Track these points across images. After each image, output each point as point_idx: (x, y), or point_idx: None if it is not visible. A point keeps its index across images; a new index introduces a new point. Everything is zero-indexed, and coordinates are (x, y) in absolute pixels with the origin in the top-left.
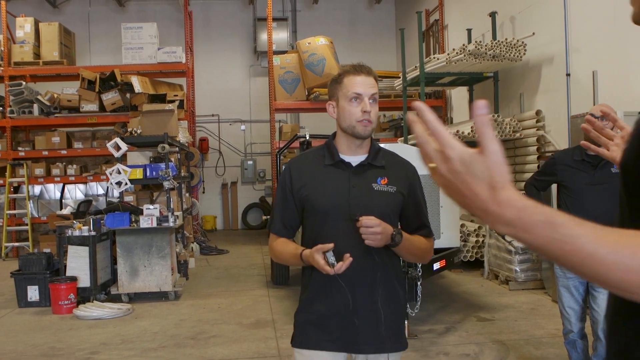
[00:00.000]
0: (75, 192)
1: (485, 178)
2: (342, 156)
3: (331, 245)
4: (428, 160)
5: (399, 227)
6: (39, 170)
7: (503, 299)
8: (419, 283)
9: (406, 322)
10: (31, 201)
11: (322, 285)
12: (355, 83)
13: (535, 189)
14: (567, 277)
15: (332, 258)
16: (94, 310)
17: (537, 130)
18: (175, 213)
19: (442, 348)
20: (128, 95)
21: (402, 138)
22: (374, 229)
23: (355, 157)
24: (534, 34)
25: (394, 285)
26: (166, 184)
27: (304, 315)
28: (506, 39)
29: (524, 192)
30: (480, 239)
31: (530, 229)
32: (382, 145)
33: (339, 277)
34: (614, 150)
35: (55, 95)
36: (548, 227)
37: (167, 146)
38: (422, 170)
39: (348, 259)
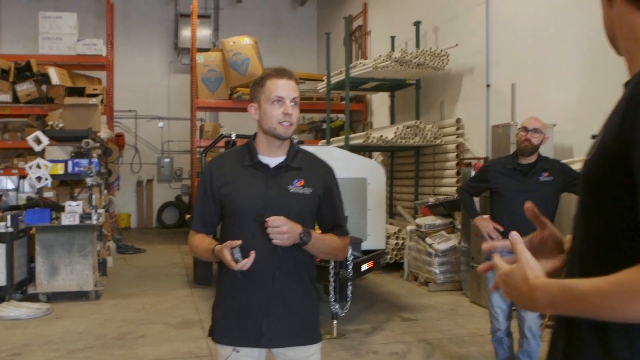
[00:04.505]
0: None
1: (521, 276)
2: (261, 157)
3: (239, 242)
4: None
5: (316, 227)
6: None
7: (424, 299)
8: (349, 284)
9: (335, 322)
10: None
11: (233, 281)
12: (278, 86)
13: (469, 194)
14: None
15: (237, 254)
16: (11, 310)
17: (456, 137)
18: (98, 210)
19: (371, 347)
20: (44, 87)
21: (324, 140)
22: (280, 228)
23: (273, 159)
24: (457, 45)
25: (305, 283)
26: (89, 180)
27: (219, 310)
28: (431, 49)
29: (458, 197)
30: (400, 242)
31: (556, 300)
32: (302, 146)
33: (244, 273)
34: None
35: None
36: (563, 294)
37: (91, 141)
38: (340, 172)
39: (252, 256)
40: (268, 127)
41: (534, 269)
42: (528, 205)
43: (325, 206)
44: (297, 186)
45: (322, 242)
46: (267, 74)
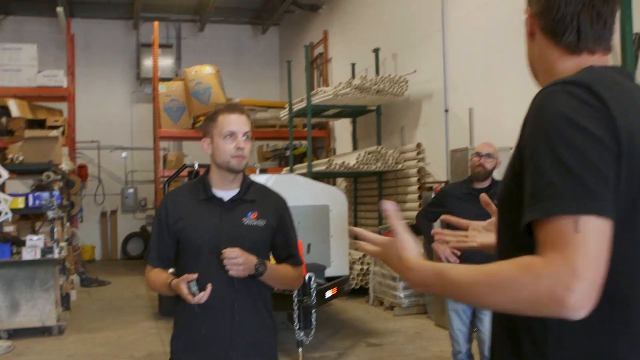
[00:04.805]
0: None
1: (396, 254)
2: (215, 191)
3: (194, 275)
4: (377, 257)
5: (270, 258)
6: None
7: (389, 324)
8: (313, 311)
9: (300, 350)
10: None
11: (190, 313)
12: (230, 121)
13: (427, 219)
14: (455, 302)
15: (194, 288)
16: None
17: (417, 162)
18: (60, 244)
19: None
20: (4, 119)
21: (288, 168)
22: (236, 260)
23: (227, 192)
24: (415, 71)
25: (261, 313)
26: (50, 214)
27: (177, 343)
28: (389, 75)
29: (415, 222)
30: (365, 267)
31: (430, 282)
32: (253, 178)
33: (201, 306)
34: None
35: None
36: (436, 278)
37: (52, 174)
38: (303, 199)
39: (208, 289)
40: (221, 161)
41: (409, 248)
42: (482, 195)
43: (279, 237)
44: (251, 218)
45: (277, 272)
46: (219, 109)
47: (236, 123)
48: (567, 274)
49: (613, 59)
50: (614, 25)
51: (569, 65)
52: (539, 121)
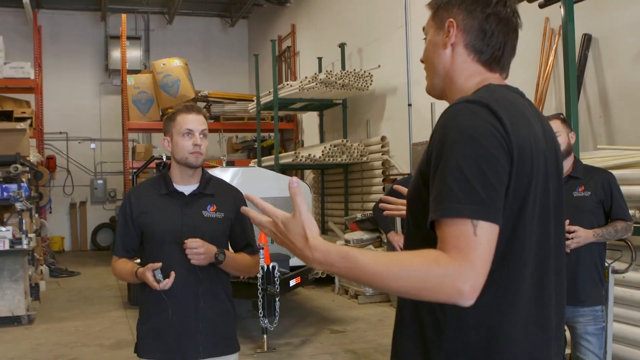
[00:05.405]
0: None
1: (299, 233)
2: (176, 186)
3: (159, 264)
4: (266, 230)
5: (229, 247)
6: None
7: (353, 312)
8: (277, 299)
9: (265, 336)
10: None
11: (155, 299)
12: (188, 120)
13: (382, 211)
14: None
15: (159, 275)
16: None
17: (382, 154)
18: (29, 235)
19: (300, 359)
20: None
21: (256, 160)
22: (197, 249)
23: (187, 187)
24: (379, 66)
25: (221, 298)
26: (18, 206)
27: (143, 327)
28: (354, 70)
29: (372, 214)
30: None
31: (334, 263)
32: (211, 173)
33: (165, 292)
34: None
35: None
36: (344, 261)
37: (19, 166)
38: (270, 191)
39: (172, 276)
40: (180, 157)
41: (312, 228)
42: (397, 187)
43: (237, 228)
44: (210, 211)
45: (235, 260)
46: (177, 109)
47: (193, 122)
48: (468, 270)
49: (557, 59)
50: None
51: (475, 80)
52: (445, 135)
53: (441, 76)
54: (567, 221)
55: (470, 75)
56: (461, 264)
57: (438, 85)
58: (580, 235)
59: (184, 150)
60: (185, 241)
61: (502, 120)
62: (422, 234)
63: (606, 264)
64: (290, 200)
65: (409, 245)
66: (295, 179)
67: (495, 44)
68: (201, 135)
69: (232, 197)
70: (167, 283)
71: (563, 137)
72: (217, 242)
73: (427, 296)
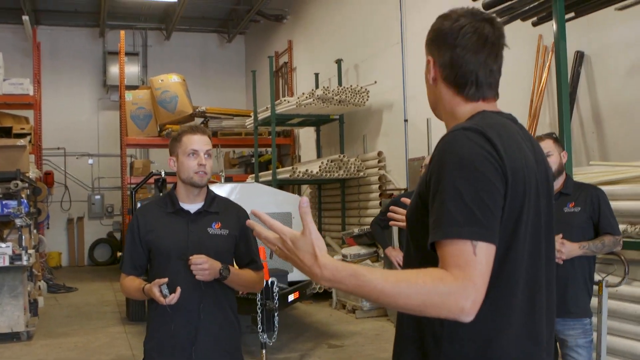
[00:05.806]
0: None
1: (308, 251)
2: (182, 204)
3: (165, 279)
4: (271, 245)
5: (233, 263)
6: None
7: (351, 326)
8: (276, 314)
9: (264, 351)
10: None
11: (161, 315)
12: (193, 141)
13: (380, 227)
14: None
15: (165, 290)
16: None
17: (379, 169)
18: (29, 251)
19: None
20: None
21: (253, 175)
22: (202, 265)
23: (193, 205)
24: (375, 82)
25: (226, 313)
26: (18, 222)
27: (150, 343)
28: (351, 86)
29: (369, 229)
30: None
31: (342, 280)
32: (218, 187)
33: (170, 307)
34: None
35: None
36: (353, 278)
37: (20, 183)
38: (267, 207)
39: (178, 291)
40: (185, 176)
41: (321, 247)
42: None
43: (241, 245)
44: (215, 228)
45: (239, 276)
46: (183, 130)
47: (198, 142)
48: (469, 288)
49: (550, 76)
50: (500, 72)
51: (467, 109)
52: (443, 160)
53: (436, 107)
54: (560, 235)
55: (457, 105)
56: (463, 282)
57: (436, 113)
58: (566, 247)
59: (190, 170)
60: (191, 257)
61: (496, 146)
62: (422, 254)
63: (600, 278)
64: (286, 216)
65: (408, 264)
66: (305, 199)
67: (467, 72)
68: (206, 156)
69: (236, 214)
70: (173, 298)
71: (555, 156)
72: (221, 258)
73: (432, 312)
